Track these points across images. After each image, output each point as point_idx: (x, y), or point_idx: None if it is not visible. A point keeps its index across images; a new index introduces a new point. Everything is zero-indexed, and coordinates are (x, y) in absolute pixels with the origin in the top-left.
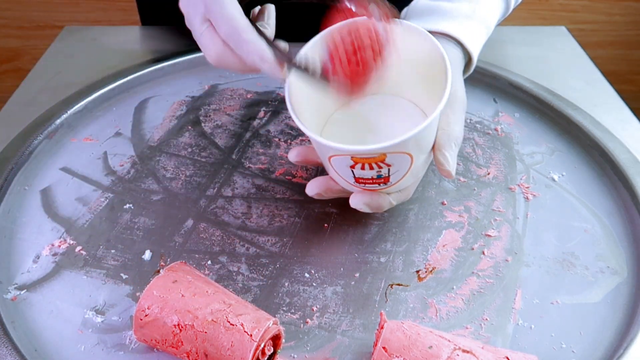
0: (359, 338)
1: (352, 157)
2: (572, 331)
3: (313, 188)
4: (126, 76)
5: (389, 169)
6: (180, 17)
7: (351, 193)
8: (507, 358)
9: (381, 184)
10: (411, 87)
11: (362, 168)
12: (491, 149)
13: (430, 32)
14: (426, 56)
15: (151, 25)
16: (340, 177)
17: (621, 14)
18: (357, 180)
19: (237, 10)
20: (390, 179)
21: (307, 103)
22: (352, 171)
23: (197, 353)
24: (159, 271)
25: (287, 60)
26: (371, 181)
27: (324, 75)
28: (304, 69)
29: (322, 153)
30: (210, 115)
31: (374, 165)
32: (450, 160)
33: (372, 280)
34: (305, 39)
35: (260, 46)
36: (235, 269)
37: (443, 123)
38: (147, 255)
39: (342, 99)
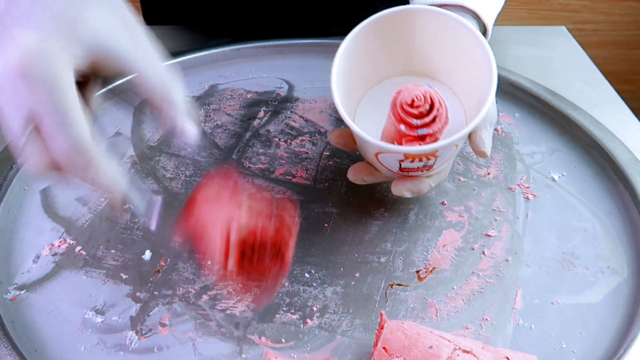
0: (359, 338)
1: (405, 154)
2: (572, 331)
3: (355, 173)
4: (126, 76)
5: (436, 159)
6: (183, 16)
7: (389, 178)
8: (507, 358)
9: (424, 171)
10: (445, 70)
11: (412, 161)
12: (491, 149)
13: (445, 5)
14: (468, 46)
15: (155, 25)
16: (384, 167)
17: (621, 14)
18: (402, 169)
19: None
20: (434, 167)
21: (339, 87)
22: (400, 164)
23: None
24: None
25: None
26: (415, 170)
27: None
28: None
29: (370, 150)
30: (210, 115)
31: (424, 158)
32: (486, 142)
33: (372, 280)
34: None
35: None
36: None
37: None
38: (147, 255)
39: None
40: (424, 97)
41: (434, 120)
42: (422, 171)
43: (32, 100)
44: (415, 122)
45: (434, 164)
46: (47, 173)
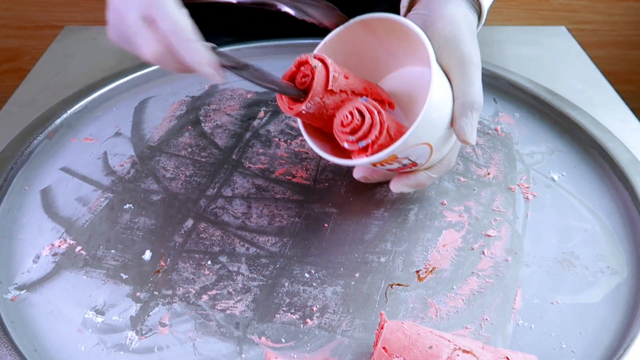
0: (359, 338)
1: (370, 164)
2: (572, 331)
3: (359, 172)
4: (126, 76)
5: (409, 159)
6: None
7: (392, 175)
8: (507, 358)
9: (412, 167)
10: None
11: (383, 165)
12: (491, 149)
13: None
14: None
15: None
16: (375, 169)
17: (621, 14)
18: (389, 170)
19: (181, 11)
20: (417, 163)
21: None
22: (378, 168)
23: None
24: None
25: (232, 63)
26: (402, 169)
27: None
28: (247, 73)
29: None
30: (210, 115)
31: (392, 162)
32: (466, 130)
33: (372, 280)
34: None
35: (203, 47)
36: (235, 269)
37: (457, 92)
38: (147, 255)
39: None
40: (351, 113)
41: (370, 130)
42: (410, 168)
43: (143, 1)
44: (350, 138)
45: (412, 162)
46: (158, 53)
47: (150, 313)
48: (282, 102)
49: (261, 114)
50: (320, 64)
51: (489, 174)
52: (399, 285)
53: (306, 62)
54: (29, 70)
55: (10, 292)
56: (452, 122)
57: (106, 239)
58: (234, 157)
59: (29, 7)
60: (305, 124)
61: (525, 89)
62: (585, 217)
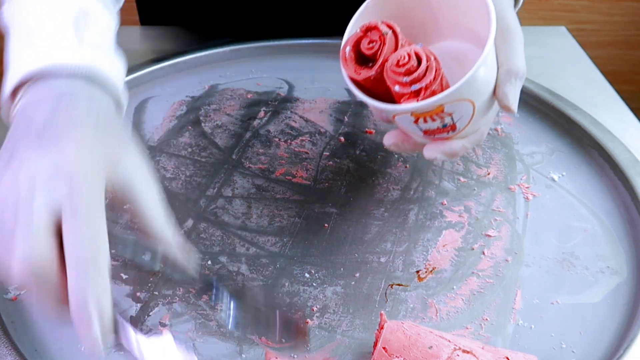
0: (359, 338)
1: (411, 114)
2: (572, 331)
3: (390, 138)
4: (126, 76)
5: (452, 117)
6: (179, 17)
7: (422, 145)
8: (507, 358)
9: (449, 132)
10: (465, 30)
11: (425, 121)
12: (491, 149)
13: None
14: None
15: (150, 25)
16: (409, 132)
17: (621, 14)
18: (425, 132)
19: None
20: (457, 126)
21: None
22: (417, 126)
23: None
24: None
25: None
26: (439, 131)
27: None
28: None
29: (383, 115)
30: (210, 115)
31: (436, 117)
32: (510, 96)
33: (372, 280)
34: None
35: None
36: (235, 269)
37: (502, 59)
38: (147, 255)
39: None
40: (409, 55)
41: (425, 73)
42: (447, 132)
43: (59, 193)
44: (404, 79)
45: (453, 122)
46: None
47: (150, 313)
48: (348, 66)
49: (261, 114)
50: (390, 31)
51: (489, 174)
52: (399, 285)
53: (375, 28)
54: None
55: (10, 292)
56: (494, 91)
57: None
58: (234, 157)
59: None
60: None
61: (525, 89)
62: (585, 217)
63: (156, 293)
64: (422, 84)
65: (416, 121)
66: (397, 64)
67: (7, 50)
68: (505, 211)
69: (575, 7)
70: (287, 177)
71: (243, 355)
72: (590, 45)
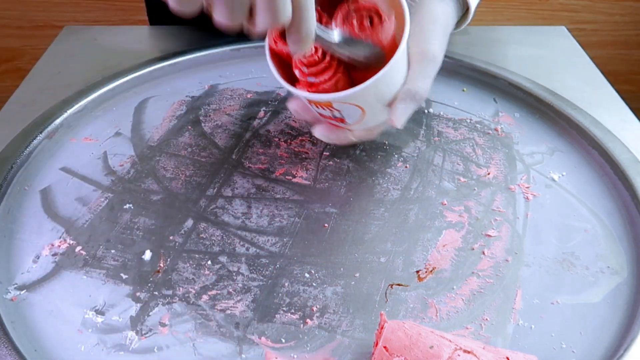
0: (359, 338)
1: (302, 96)
2: (572, 331)
3: (293, 104)
4: (126, 76)
5: (340, 113)
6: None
7: (317, 119)
8: (508, 358)
9: (340, 123)
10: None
11: (317, 107)
12: (491, 149)
13: None
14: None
15: (159, 25)
16: (309, 107)
17: (621, 14)
18: (321, 115)
19: None
20: (346, 121)
21: None
22: (312, 107)
23: None
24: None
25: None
26: (330, 119)
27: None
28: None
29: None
30: (210, 115)
31: (325, 108)
32: (398, 113)
33: (372, 280)
34: None
35: None
36: (235, 269)
37: (409, 77)
38: (147, 255)
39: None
40: (316, 48)
41: (322, 72)
42: (337, 122)
43: None
44: (304, 69)
45: (342, 117)
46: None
47: (150, 313)
48: (270, 35)
49: (261, 114)
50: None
51: (489, 174)
52: (399, 285)
53: None
54: (29, 70)
55: (10, 292)
56: (390, 102)
57: (106, 239)
58: (234, 157)
59: (29, 7)
60: (271, 53)
61: (525, 89)
62: (585, 217)
63: (156, 293)
64: (316, 79)
65: (309, 103)
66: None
67: None
68: (505, 211)
69: (575, 7)
70: (287, 177)
71: (243, 355)
72: (590, 45)
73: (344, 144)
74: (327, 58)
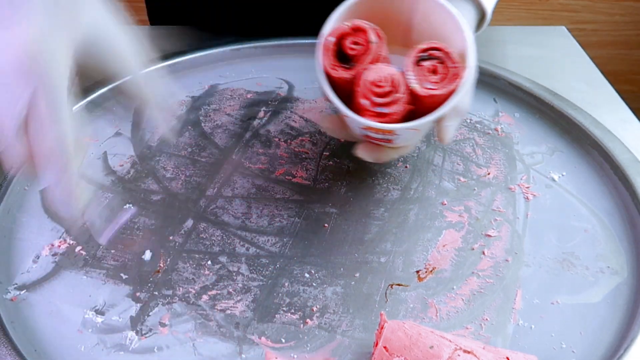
0: (359, 338)
1: (361, 126)
2: (572, 331)
3: (327, 121)
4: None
5: (395, 137)
6: (188, 16)
7: (355, 137)
8: (508, 358)
9: (387, 143)
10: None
11: (372, 131)
12: (491, 149)
13: None
14: (449, 29)
15: (159, 25)
16: (351, 127)
17: (621, 14)
18: (365, 136)
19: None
20: (394, 141)
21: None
22: (362, 130)
23: None
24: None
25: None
26: (378, 140)
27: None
28: None
29: (336, 108)
30: (210, 115)
31: (381, 133)
32: (449, 131)
33: (372, 280)
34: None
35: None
36: (235, 269)
37: (455, 97)
38: (147, 255)
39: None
40: (387, 79)
41: (393, 102)
42: (383, 142)
43: (28, 93)
44: (375, 99)
45: (393, 139)
46: (23, 166)
47: (150, 313)
48: (326, 57)
49: (261, 114)
50: (377, 41)
51: (489, 174)
52: (399, 285)
53: (364, 31)
54: None
55: (10, 292)
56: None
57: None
58: (234, 157)
59: None
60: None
61: (525, 89)
62: (585, 217)
63: (156, 293)
64: (387, 110)
65: (364, 128)
66: (374, 83)
67: None
68: (505, 211)
69: (575, 7)
70: (287, 177)
71: (243, 355)
72: (590, 45)
73: (386, 161)
74: (400, 88)
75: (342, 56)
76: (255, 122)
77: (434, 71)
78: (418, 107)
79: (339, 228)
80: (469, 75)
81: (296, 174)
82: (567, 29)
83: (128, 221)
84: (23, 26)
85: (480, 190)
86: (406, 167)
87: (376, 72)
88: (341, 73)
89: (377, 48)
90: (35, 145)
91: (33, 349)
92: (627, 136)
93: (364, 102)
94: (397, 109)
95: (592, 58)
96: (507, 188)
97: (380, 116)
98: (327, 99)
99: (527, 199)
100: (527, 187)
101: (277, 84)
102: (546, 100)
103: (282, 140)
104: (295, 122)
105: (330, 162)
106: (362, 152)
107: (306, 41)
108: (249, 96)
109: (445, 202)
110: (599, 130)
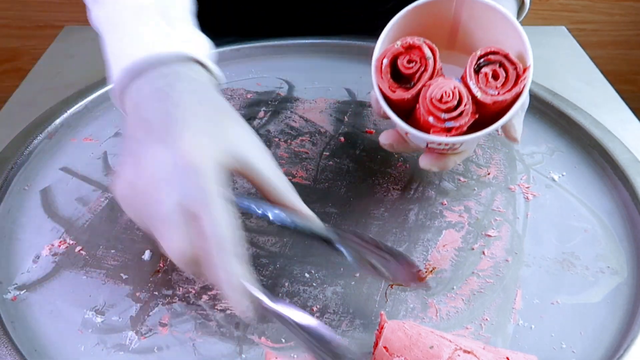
0: (359, 338)
1: (429, 142)
2: (572, 331)
3: (387, 138)
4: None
5: (462, 145)
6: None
7: (416, 149)
8: (508, 359)
9: (449, 150)
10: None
11: (438, 144)
12: (491, 149)
13: None
14: (503, 31)
15: None
16: (414, 141)
17: (621, 14)
18: (429, 147)
19: (230, 214)
20: (460, 149)
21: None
22: (427, 144)
23: None
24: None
25: (267, 307)
26: (442, 150)
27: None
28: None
29: (400, 128)
30: None
31: (449, 144)
32: (518, 129)
33: (372, 280)
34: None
35: (241, 271)
36: None
37: None
38: (147, 255)
39: None
40: (453, 93)
41: (460, 114)
42: (448, 151)
43: (189, 191)
44: (443, 115)
45: (459, 147)
46: (185, 259)
47: (150, 313)
48: (383, 80)
49: (261, 114)
50: (432, 56)
51: (489, 174)
52: (399, 285)
53: (417, 48)
54: (29, 70)
55: (10, 292)
56: None
57: (106, 239)
58: None
59: (29, 7)
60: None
61: None
62: (585, 217)
63: (156, 293)
64: (456, 124)
65: (431, 142)
66: (440, 99)
67: (104, 50)
68: (505, 211)
69: (575, 7)
70: (287, 177)
71: (243, 355)
72: (590, 45)
73: (449, 169)
74: (465, 100)
75: (396, 74)
76: (255, 122)
77: (494, 76)
78: (483, 113)
79: (339, 228)
80: (530, 73)
81: (296, 174)
82: (567, 29)
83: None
84: (181, 139)
85: (480, 190)
86: (406, 167)
87: (440, 88)
88: (401, 94)
89: (432, 64)
90: (199, 237)
91: (33, 349)
92: (627, 136)
93: (430, 119)
94: (465, 120)
95: (592, 58)
96: (507, 188)
97: (449, 130)
98: (385, 116)
99: (527, 199)
100: (527, 187)
101: (277, 84)
102: (546, 100)
103: (282, 140)
104: (295, 122)
105: (330, 162)
106: (426, 162)
107: (306, 41)
108: (249, 96)
109: (445, 202)
110: (599, 130)
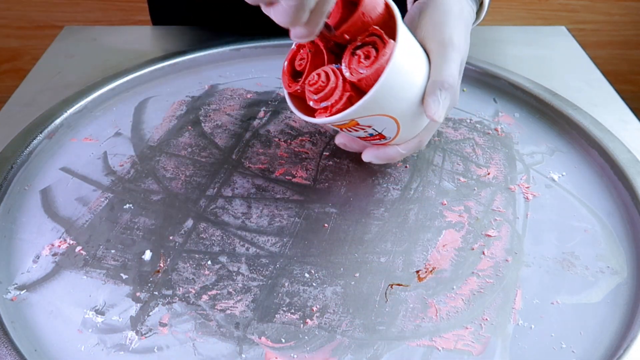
0: (359, 338)
1: (332, 124)
2: (572, 331)
3: (339, 138)
4: (126, 76)
5: (373, 129)
6: (188, 17)
7: (363, 146)
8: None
9: (381, 139)
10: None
11: (349, 131)
12: (491, 149)
13: None
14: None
15: (162, 25)
16: (354, 137)
17: (621, 14)
18: (360, 138)
19: None
20: (385, 135)
21: None
22: (348, 133)
23: None
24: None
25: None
26: (371, 138)
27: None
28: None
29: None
30: (210, 115)
31: (356, 128)
32: (432, 106)
33: (372, 280)
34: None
35: None
36: (235, 269)
37: (433, 72)
38: (147, 255)
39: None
40: (318, 75)
41: (332, 93)
42: (378, 139)
43: None
44: (314, 97)
45: (378, 132)
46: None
47: (150, 313)
48: (283, 79)
49: (261, 114)
50: (312, 50)
51: (489, 174)
52: (399, 285)
53: (303, 46)
54: (29, 70)
55: (10, 292)
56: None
57: (106, 239)
58: (234, 157)
59: (29, 7)
60: (290, 96)
61: (525, 89)
62: (585, 217)
63: (156, 293)
64: (328, 102)
65: (341, 129)
66: (309, 84)
67: None
68: (505, 211)
69: (575, 7)
70: (287, 177)
71: (243, 355)
72: (590, 45)
73: (397, 160)
74: (332, 78)
75: (299, 75)
76: (255, 122)
77: (368, 57)
78: (362, 95)
79: (339, 228)
80: (397, 48)
81: (296, 174)
82: (567, 29)
83: None
84: None
85: (480, 190)
86: (406, 167)
87: (311, 75)
88: (293, 87)
89: (319, 56)
90: None
91: (33, 349)
92: (627, 136)
93: (311, 103)
94: (335, 98)
95: (592, 58)
96: (507, 188)
97: (327, 110)
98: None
99: (527, 199)
100: (527, 187)
101: (277, 84)
102: (546, 100)
103: (282, 140)
104: (295, 122)
105: (330, 162)
106: (367, 156)
107: None
108: (249, 96)
109: (445, 202)
110: (599, 130)
